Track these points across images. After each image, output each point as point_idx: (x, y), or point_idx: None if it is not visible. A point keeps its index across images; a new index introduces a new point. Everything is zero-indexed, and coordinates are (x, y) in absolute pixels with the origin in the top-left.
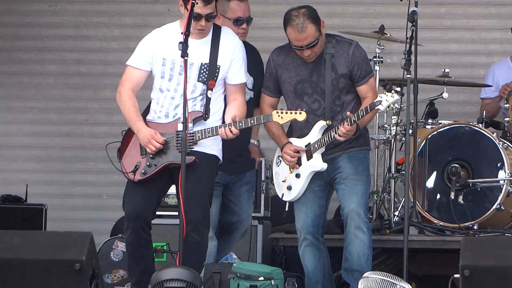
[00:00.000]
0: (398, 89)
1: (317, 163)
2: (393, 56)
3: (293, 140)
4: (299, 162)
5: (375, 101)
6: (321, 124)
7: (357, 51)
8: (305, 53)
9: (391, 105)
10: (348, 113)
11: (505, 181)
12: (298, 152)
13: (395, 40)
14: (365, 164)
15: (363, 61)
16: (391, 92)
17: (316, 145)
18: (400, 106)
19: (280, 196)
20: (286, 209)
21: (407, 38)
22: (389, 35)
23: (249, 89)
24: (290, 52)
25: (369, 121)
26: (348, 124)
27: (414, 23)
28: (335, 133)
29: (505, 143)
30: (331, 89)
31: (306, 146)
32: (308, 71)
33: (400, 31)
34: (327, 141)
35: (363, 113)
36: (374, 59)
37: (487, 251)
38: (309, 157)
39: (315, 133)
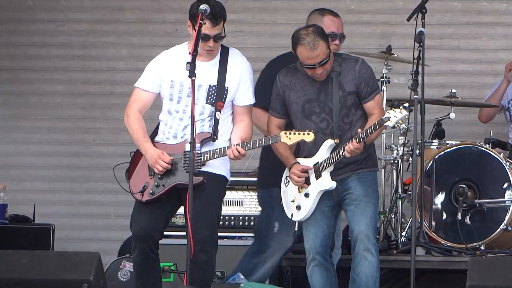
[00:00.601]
0: (406, 104)
1: (326, 182)
2: (400, 76)
3: (301, 160)
4: (307, 182)
5: (383, 117)
6: (329, 143)
7: (363, 67)
8: (317, 71)
9: (399, 122)
10: (359, 130)
11: None
12: (306, 171)
13: (402, 61)
14: (375, 186)
15: (369, 77)
16: (399, 108)
17: (324, 164)
18: (407, 127)
19: (290, 216)
20: (296, 229)
21: (414, 59)
22: (396, 55)
23: None
24: (297, 72)
25: (375, 138)
26: (356, 142)
27: (421, 44)
28: (344, 150)
29: (510, 162)
30: (339, 107)
31: (314, 165)
32: (315, 90)
33: (407, 52)
34: (335, 159)
35: (371, 130)
36: (381, 79)
37: (494, 272)
38: (318, 176)
39: (323, 152)
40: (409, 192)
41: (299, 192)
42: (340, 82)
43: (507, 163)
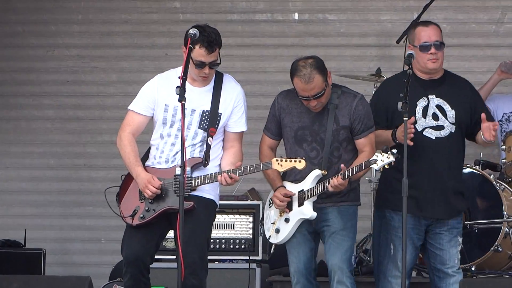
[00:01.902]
0: (395, 151)
1: (307, 211)
2: None
3: (287, 184)
4: (290, 207)
5: (370, 159)
6: (316, 173)
7: (360, 104)
8: (311, 104)
9: (385, 166)
10: (342, 166)
11: (503, 222)
12: (289, 197)
13: None
14: (354, 221)
15: (365, 115)
16: (387, 153)
17: (308, 193)
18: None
19: (268, 238)
20: (271, 251)
21: (404, 81)
22: (386, 77)
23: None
24: (296, 97)
25: (361, 176)
26: (341, 178)
27: (410, 66)
28: (328, 184)
29: (502, 184)
30: (331, 139)
31: (299, 192)
32: (310, 119)
33: None
34: (320, 190)
35: (357, 170)
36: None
37: None
38: (300, 204)
39: (309, 181)
40: None
41: (280, 215)
42: (336, 115)
43: (498, 184)
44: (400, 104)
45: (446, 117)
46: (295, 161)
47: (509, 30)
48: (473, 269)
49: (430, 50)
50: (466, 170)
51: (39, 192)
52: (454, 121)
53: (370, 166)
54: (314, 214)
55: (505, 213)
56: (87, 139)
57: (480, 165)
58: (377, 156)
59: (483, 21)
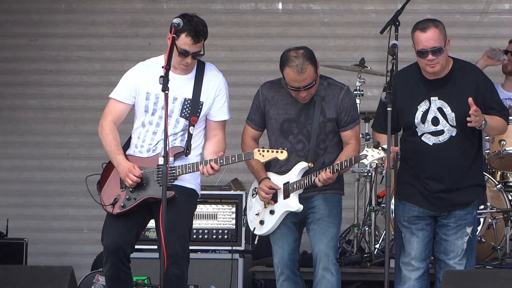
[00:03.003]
0: (385, 146)
1: (294, 204)
2: (373, 89)
3: (272, 176)
4: (275, 199)
5: (360, 154)
6: (302, 165)
7: (347, 96)
8: (301, 94)
9: (375, 162)
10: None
11: (486, 213)
12: (273, 188)
13: (375, 73)
14: (339, 208)
15: (351, 107)
16: (377, 148)
17: (295, 186)
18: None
19: (252, 230)
20: (255, 243)
21: (387, 71)
22: (369, 68)
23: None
24: (281, 89)
25: (349, 169)
26: (330, 172)
27: (394, 56)
28: (316, 177)
29: (485, 175)
30: (318, 132)
31: (284, 184)
32: (296, 111)
33: (380, 64)
34: (307, 183)
35: (346, 164)
36: (355, 92)
37: (468, 284)
38: (286, 196)
39: (295, 173)
40: (382, 205)
41: (265, 207)
42: (322, 107)
43: None
44: (383, 95)
45: (447, 120)
46: (277, 152)
47: (493, 20)
48: None
49: (428, 56)
50: None
51: (21, 182)
52: (455, 124)
53: (360, 161)
54: (301, 207)
55: (488, 204)
56: (70, 129)
57: None
58: (367, 152)
59: (467, 12)
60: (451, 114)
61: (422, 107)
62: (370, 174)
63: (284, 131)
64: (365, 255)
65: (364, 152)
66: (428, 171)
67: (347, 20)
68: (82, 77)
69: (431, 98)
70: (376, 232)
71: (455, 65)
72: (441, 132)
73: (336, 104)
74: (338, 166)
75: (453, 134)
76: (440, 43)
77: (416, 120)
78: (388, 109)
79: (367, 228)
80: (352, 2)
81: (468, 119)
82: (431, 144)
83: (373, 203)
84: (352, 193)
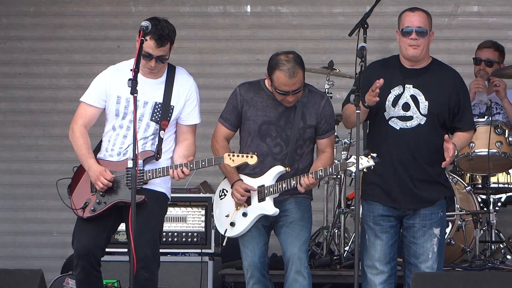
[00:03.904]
0: (375, 155)
1: (270, 207)
2: (342, 91)
3: (246, 178)
4: (248, 202)
5: (348, 161)
6: (279, 169)
7: (327, 105)
8: (289, 99)
9: (364, 170)
10: (312, 167)
11: (455, 215)
12: (248, 191)
13: (344, 76)
14: (310, 213)
15: (330, 116)
16: (367, 156)
17: (271, 189)
18: (350, 141)
19: (222, 232)
20: (224, 244)
21: (356, 74)
22: (338, 70)
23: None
24: (260, 90)
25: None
26: (313, 178)
27: (363, 59)
28: (297, 182)
29: (454, 177)
30: (297, 137)
31: (259, 187)
32: (277, 114)
33: (349, 67)
34: (284, 188)
35: (331, 170)
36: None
37: (438, 286)
38: (261, 199)
39: (270, 177)
40: (352, 207)
41: (236, 209)
42: (303, 113)
43: (450, 177)
44: (352, 97)
45: (418, 108)
46: (247, 157)
47: (461, 23)
48: None
49: (411, 35)
50: None
51: None
52: (426, 113)
53: (348, 168)
54: (277, 211)
55: (457, 206)
56: (39, 132)
57: None
58: (354, 159)
59: (436, 14)
60: (424, 103)
61: (396, 91)
62: (339, 176)
63: (262, 133)
64: (334, 257)
65: (351, 160)
66: (392, 154)
67: (316, 23)
68: (51, 80)
69: (406, 85)
70: (346, 234)
71: (434, 61)
72: (409, 118)
73: (317, 111)
74: (322, 172)
75: (422, 123)
76: (425, 25)
77: (387, 103)
78: (357, 111)
79: (336, 231)
80: (320, 4)
81: (446, 156)
82: (398, 128)
83: (342, 205)
84: (322, 196)
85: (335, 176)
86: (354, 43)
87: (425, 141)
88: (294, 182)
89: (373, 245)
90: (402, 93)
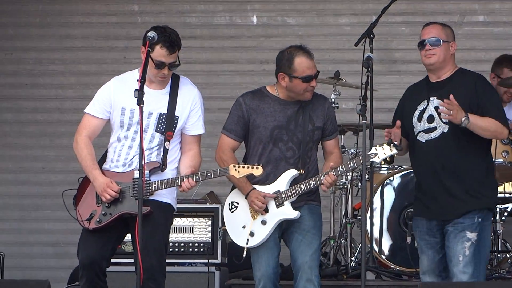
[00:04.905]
0: (397, 142)
1: (290, 211)
2: (348, 101)
3: (257, 187)
4: (265, 209)
5: (369, 153)
6: (292, 173)
7: (330, 106)
8: (313, 84)
9: (387, 159)
10: (331, 164)
11: None
12: (266, 197)
13: (350, 86)
14: (321, 221)
15: (334, 117)
16: (389, 145)
17: (289, 193)
18: (356, 151)
19: (243, 243)
20: (244, 255)
21: (362, 84)
22: (344, 80)
23: None
24: (265, 97)
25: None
26: (334, 174)
27: (369, 69)
28: (316, 183)
29: None
30: (307, 140)
31: (274, 193)
32: (286, 118)
33: (355, 77)
34: (304, 189)
35: (353, 165)
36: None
37: None
38: (280, 204)
39: (284, 181)
40: (358, 217)
41: (254, 219)
42: (310, 116)
43: None
44: (358, 107)
45: (440, 118)
46: (252, 168)
47: (467, 33)
48: None
49: (425, 47)
50: None
51: None
52: (447, 121)
53: (371, 159)
54: (298, 214)
55: None
56: (45, 143)
57: None
58: (376, 150)
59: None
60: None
61: (421, 106)
62: (345, 186)
63: (274, 138)
64: (341, 267)
65: (373, 151)
66: (424, 168)
67: (322, 33)
68: (57, 91)
69: (430, 98)
70: (352, 244)
71: (459, 70)
72: (433, 129)
73: (323, 113)
74: (343, 168)
75: (445, 131)
76: (439, 35)
77: (413, 119)
78: (363, 121)
79: (343, 241)
80: (326, 15)
81: (439, 110)
82: (424, 141)
83: (349, 215)
84: (328, 206)
85: (341, 186)
86: (360, 53)
87: (451, 149)
88: (314, 182)
89: (421, 260)
90: (426, 106)
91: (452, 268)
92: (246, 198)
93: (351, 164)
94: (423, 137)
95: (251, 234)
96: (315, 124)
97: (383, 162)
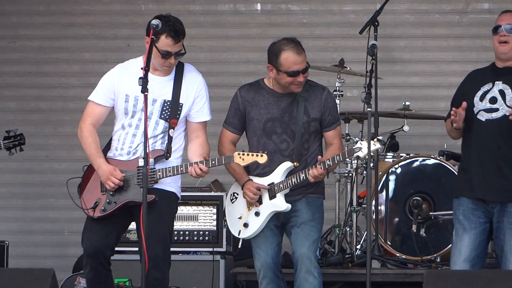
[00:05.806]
0: (380, 137)
1: (281, 204)
2: (353, 89)
3: (255, 178)
4: (259, 201)
5: (354, 147)
6: (287, 165)
7: (329, 96)
8: (299, 79)
9: (371, 153)
10: (319, 157)
11: None
12: (259, 190)
13: (355, 74)
14: (321, 212)
15: (333, 107)
16: (373, 140)
17: (281, 185)
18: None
19: (236, 234)
20: (239, 246)
21: (367, 72)
22: (349, 68)
23: None
24: (261, 89)
25: (337, 166)
26: (321, 168)
27: (374, 57)
28: (305, 175)
29: None
30: (302, 131)
31: (269, 185)
32: (279, 110)
33: (360, 65)
34: (294, 182)
35: (339, 158)
36: (335, 92)
37: (450, 284)
38: (272, 196)
39: (279, 174)
40: (363, 205)
41: (248, 210)
42: (305, 107)
43: None
44: (363, 95)
45: (504, 101)
46: (257, 155)
47: (472, 20)
48: (438, 260)
49: (500, 32)
50: (430, 161)
51: (1, 185)
52: (511, 104)
53: (355, 154)
54: (289, 206)
55: None
56: (49, 131)
57: (445, 156)
58: (361, 144)
59: (446, 12)
60: (510, 95)
61: (485, 87)
62: (350, 174)
63: (268, 131)
64: (346, 255)
65: (358, 145)
66: (479, 146)
67: (326, 21)
68: (61, 79)
69: (496, 82)
70: (358, 232)
71: None
72: (495, 110)
73: (320, 104)
74: (330, 161)
75: (507, 114)
76: None
77: (475, 99)
78: (368, 109)
79: (348, 229)
80: (330, 2)
81: (507, 112)
82: (484, 120)
83: (354, 203)
84: (333, 194)
85: (346, 174)
86: (365, 41)
87: (510, 132)
88: (303, 175)
89: (460, 239)
90: (490, 88)
91: (503, 256)
92: (242, 189)
93: (337, 157)
94: (483, 116)
95: (245, 225)
96: (311, 115)
97: (366, 157)
